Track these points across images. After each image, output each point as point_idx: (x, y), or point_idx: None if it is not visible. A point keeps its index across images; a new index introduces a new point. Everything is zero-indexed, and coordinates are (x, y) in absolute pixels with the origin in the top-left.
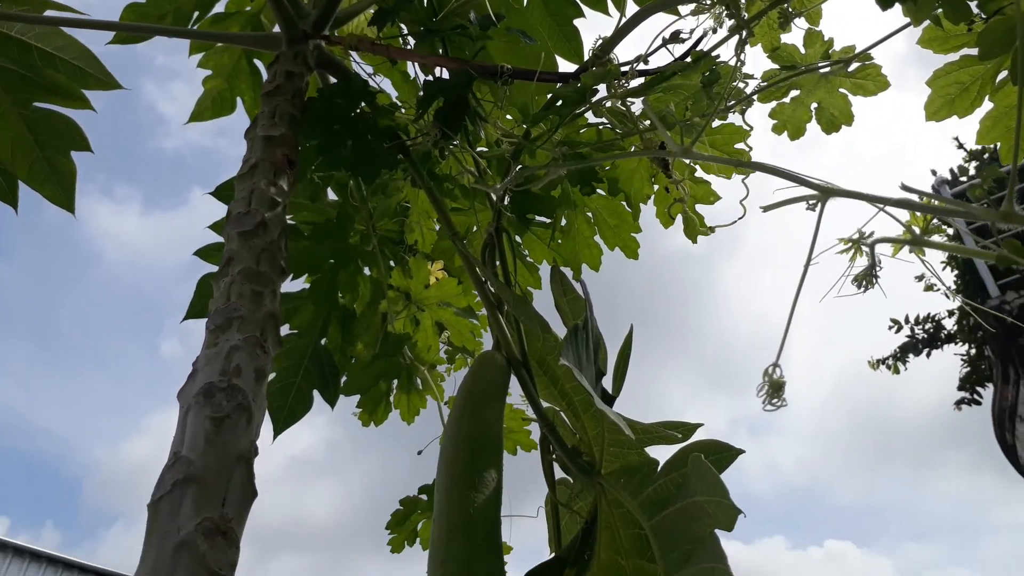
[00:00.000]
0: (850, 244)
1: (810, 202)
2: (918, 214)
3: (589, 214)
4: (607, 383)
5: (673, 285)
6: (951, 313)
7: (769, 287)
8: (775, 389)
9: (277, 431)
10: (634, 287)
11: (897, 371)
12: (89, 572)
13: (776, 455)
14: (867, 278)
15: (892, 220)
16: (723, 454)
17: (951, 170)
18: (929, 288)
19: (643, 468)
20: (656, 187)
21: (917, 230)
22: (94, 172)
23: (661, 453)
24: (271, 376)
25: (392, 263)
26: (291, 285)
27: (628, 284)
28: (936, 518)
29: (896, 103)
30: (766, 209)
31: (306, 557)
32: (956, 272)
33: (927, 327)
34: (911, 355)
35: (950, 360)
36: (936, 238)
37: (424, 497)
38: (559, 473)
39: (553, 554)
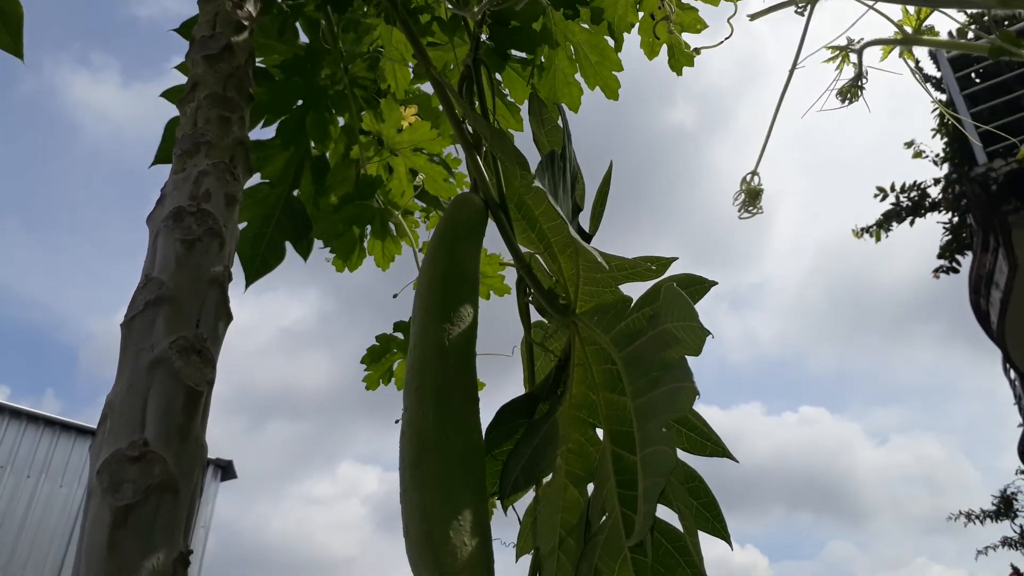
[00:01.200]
0: (838, 52)
1: (799, 4)
2: (911, 11)
3: (572, 48)
4: (585, 223)
5: (664, 163)
6: (937, 181)
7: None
8: (751, 197)
9: (249, 280)
10: (624, 164)
11: (879, 238)
12: (87, 433)
13: (755, 328)
14: (852, 90)
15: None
16: (695, 287)
17: (950, 32)
18: (918, 155)
19: (617, 305)
20: (641, 16)
21: (909, 30)
22: (68, 39)
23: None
24: (242, 225)
25: (364, 110)
26: (263, 134)
27: (618, 160)
28: (905, 386)
29: None
30: (753, 17)
31: (298, 423)
32: (945, 140)
33: (912, 195)
34: (894, 223)
35: (928, 238)
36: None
37: (400, 335)
38: (535, 316)
39: (527, 391)
